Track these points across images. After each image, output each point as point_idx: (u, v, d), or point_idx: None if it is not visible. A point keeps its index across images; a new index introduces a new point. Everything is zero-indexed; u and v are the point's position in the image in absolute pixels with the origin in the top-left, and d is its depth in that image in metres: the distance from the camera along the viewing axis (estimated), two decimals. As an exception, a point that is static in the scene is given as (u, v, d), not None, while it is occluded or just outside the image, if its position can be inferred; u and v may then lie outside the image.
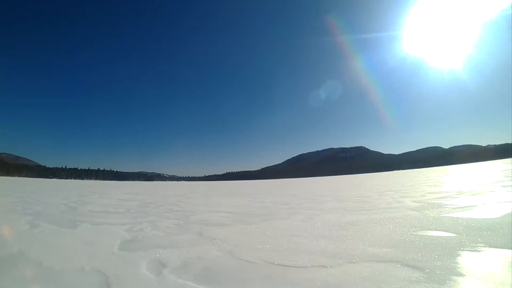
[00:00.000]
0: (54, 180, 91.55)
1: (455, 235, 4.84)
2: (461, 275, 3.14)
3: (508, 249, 3.90)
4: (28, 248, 4.75)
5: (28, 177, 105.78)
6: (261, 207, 10.88)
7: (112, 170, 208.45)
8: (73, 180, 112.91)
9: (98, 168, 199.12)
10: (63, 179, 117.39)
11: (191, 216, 8.72)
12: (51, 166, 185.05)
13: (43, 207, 10.72)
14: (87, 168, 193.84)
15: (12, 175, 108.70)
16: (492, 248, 3.98)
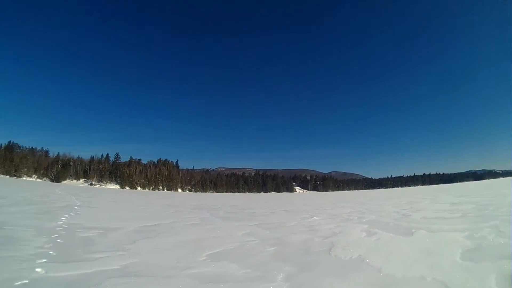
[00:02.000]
0: (381, 190, 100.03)
1: None
2: None
3: None
4: (367, 254, 5.22)
5: (357, 189, 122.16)
6: None
7: (437, 173, 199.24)
8: (399, 188, 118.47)
9: (424, 173, 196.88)
10: (389, 188, 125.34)
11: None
12: (377, 177, 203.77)
13: (376, 215, 11.80)
14: (412, 174, 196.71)
15: (342, 189, 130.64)
16: None
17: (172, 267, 4.63)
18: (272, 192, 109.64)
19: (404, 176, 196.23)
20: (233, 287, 3.80)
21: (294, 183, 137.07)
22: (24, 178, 71.99)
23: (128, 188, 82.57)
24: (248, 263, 4.89)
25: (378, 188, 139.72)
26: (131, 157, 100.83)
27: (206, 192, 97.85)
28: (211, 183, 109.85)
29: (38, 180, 74.22)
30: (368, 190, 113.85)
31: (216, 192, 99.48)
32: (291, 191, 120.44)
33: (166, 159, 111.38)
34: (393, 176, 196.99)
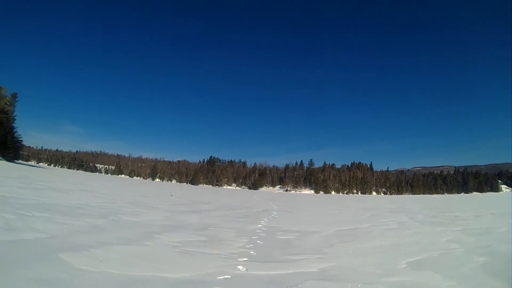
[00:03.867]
0: None
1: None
2: None
3: None
4: None
5: None
6: None
7: None
8: None
9: None
10: None
11: None
12: None
13: None
14: None
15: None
16: None
17: (371, 273, 4.51)
18: (474, 192, 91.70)
19: None
20: (437, 301, 3.46)
21: (499, 181, 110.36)
22: (224, 187, 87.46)
23: (322, 192, 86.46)
24: (453, 274, 4.42)
25: None
26: (324, 162, 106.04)
27: (401, 194, 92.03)
28: (407, 184, 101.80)
29: (237, 188, 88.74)
30: None
31: (412, 194, 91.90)
32: (496, 191, 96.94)
33: (359, 162, 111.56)
34: None
